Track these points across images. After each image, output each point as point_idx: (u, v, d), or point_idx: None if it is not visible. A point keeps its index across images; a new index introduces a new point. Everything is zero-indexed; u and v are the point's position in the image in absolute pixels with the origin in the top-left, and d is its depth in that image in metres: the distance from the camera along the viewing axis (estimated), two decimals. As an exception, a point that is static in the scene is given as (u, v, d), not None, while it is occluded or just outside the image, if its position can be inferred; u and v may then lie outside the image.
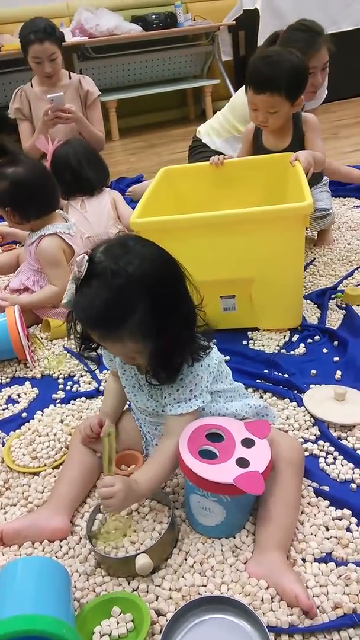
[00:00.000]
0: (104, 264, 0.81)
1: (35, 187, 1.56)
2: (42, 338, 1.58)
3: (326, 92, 2.16)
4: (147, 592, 0.84)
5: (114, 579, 0.86)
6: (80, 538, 0.94)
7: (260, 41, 3.09)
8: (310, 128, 1.71)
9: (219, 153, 2.05)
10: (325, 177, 1.95)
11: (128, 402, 1.10)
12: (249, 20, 3.75)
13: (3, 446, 1.17)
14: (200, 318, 0.91)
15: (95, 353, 0.96)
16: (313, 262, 1.82)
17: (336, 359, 1.35)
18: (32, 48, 2.38)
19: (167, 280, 0.84)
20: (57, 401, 1.32)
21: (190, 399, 0.92)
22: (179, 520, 0.95)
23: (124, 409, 1.10)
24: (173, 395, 0.92)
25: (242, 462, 0.85)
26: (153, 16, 3.78)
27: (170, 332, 0.84)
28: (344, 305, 1.55)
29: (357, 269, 1.73)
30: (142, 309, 0.80)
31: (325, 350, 1.39)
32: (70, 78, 2.58)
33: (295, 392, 1.23)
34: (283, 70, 1.55)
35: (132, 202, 2.34)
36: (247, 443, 0.88)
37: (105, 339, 0.85)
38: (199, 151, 2.33)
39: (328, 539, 0.89)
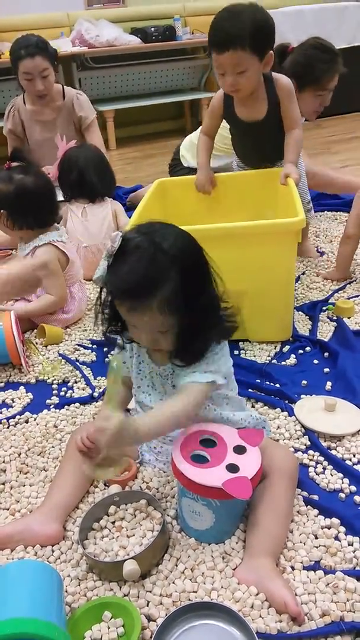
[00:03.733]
0: (137, 240, 0.85)
1: (37, 199, 1.58)
2: (37, 344, 1.59)
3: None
4: (138, 597, 0.84)
5: (105, 583, 0.87)
6: (72, 543, 0.95)
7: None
8: (285, 93, 1.57)
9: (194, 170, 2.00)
10: (300, 163, 1.79)
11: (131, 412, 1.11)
12: (246, 35, 3.81)
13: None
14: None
15: (117, 337, 0.97)
16: (304, 274, 1.84)
17: (326, 370, 1.37)
18: (23, 64, 2.24)
19: (197, 260, 0.88)
20: (51, 406, 1.33)
21: (206, 372, 0.92)
22: (170, 527, 0.96)
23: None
24: (190, 369, 0.93)
25: (232, 468, 0.87)
26: (152, 29, 3.83)
27: (198, 310, 0.87)
28: (335, 318, 1.58)
29: (348, 283, 1.76)
30: (172, 282, 0.83)
31: (315, 362, 1.41)
32: (64, 98, 2.41)
33: (287, 402, 1.25)
34: (244, 23, 1.40)
35: (131, 209, 2.35)
36: (239, 450, 0.90)
37: (134, 310, 0.86)
38: (179, 168, 2.33)
39: (317, 547, 0.91)
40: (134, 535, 0.92)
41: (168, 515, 0.98)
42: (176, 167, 2.37)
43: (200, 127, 1.81)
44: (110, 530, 0.94)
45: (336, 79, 1.85)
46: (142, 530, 0.93)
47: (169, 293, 0.83)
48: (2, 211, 1.58)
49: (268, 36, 1.47)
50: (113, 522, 0.95)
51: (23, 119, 2.43)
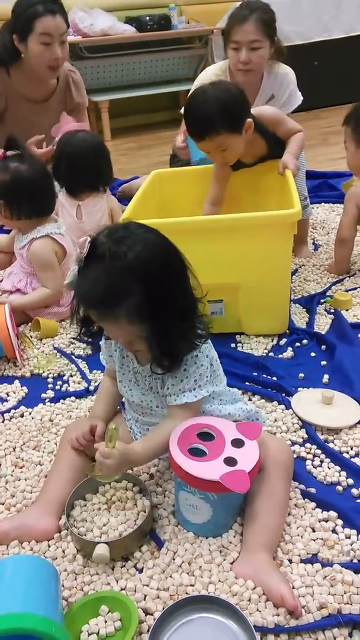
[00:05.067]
0: (104, 246, 0.83)
1: (35, 187, 1.56)
2: (31, 337, 1.58)
3: (300, 98, 2.00)
4: (135, 591, 0.84)
5: (102, 577, 0.87)
6: (68, 534, 0.94)
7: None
8: (274, 124, 1.59)
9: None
10: (302, 158, 1.80)
11: (119, 404, 1.11)
12: (242, 24, 3.77)
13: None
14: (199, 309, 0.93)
15: (92, 339, 0.98)
16: (302, 267, 1.83)
17: (324, 362, 1.37)
18: (42, 22, 1.81)
19: (165, 268, 0.86)
20: (47, 400, 1.32)
21: (194, 389, 0.94)
22: (166, 521, 0.95)
23: (116, 411, 1.10)
24: (177, 386, 0.93)
25: (230, 461, 0.86)
26: (147, 18, 3.78)
27: (167, 318, 0.86)
28: (332, 310, 1.57)
29: (347, 276, 1.75)
30: (137, 293, 0.82)
31: (313, 354, 1.40)
32: (57, 78, 2.12)
33: (284, 395, 1.25)
34: (211, 108, 1.40)
35: (121, 201, 2.32)
36: (237, 443, 0.90)
37: (102, 319, 0.88)
38: (178, 159, 2.31)
39: (314, 540, 0.91)
40: (117, 516, 0.94)
41: (164, 509, 0.97)
42: (176, 158, 2.36)
43: (207, 199, 1.70)
44: (98, 504, 0.96)
45: (245, 34, 1.81)
46: (128, 513, 0.94)
47: (135, 304, 0.82)
48: (0, 201, 1.56)
49: (240, 111, 1.46)
50: (104, 495, 0.98)
51: (8, 96, 2.05)
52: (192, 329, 0.92)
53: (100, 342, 1.05)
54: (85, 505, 0.97)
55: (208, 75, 2.06)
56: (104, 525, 0.93)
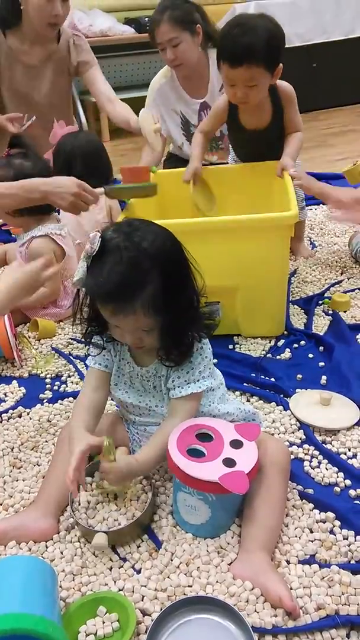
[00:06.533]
0: (116, 240, 0.84)
1: None
2: (30, 337, 1.57)
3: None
4: (133, 591, 0.84)
5: (100, 578, 0.87)
6: (67, 534, 0.94)
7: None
8: (288, 100, 1.60)
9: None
10: (297, 160, 1.76)
11: (116, 405, 1.10)
12: (241, 26, 3.77)
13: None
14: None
15: (98, 338, 0.97)
16: (299, 269, 1.84)
17: (321, 364, 1.37)
18: None
19: (177, 258, 0.88)
20: (45, 401, 1.32)
21: (199, 380, 0.94)
22: (165, 521, 0.95)
23: (114, 411, 1.10)
24: (183, 378, 0.94)
25: (229, 462, 0.86)
26: (146, 19, 3.78)
27: (179, 308, 0.87)
28: (330, 312, 1.58)
29: (347, 278, 1.75)
30: (154, 282, 0.83)
31: (310, 355, 1.41)
32: (58, 41, 2.02)
33: (282, 396, 1.25)
34: (260, 38, 1.38)
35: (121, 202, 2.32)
36: (236, 444, 0.90)
37: (117, 313, 0.86)
38: (175, 159, 2.32)
39: (312, 541, 0.91)
40: (120, 509, 0.94)
41: (163, 510, 0.97)
42: (171, 159, 2.36)
43: (200, 124, 1.80)
44: (101, 491, 0.97)
45: (162, 34, 1.92)
46: (128, 504, 0.95)
47: (152, 294, 0.83)
48: None
49: (280, 50, 1.47)
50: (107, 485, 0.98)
51: (1, 55, 1.97)
52: (199, 320, 0.93)
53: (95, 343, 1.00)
54: (88, 490, 0.97)
55: (158, 78, 2.22)
56: (106, 513, 0.93)
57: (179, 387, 0.94)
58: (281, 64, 1.48)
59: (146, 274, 0.82)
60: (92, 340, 0.97)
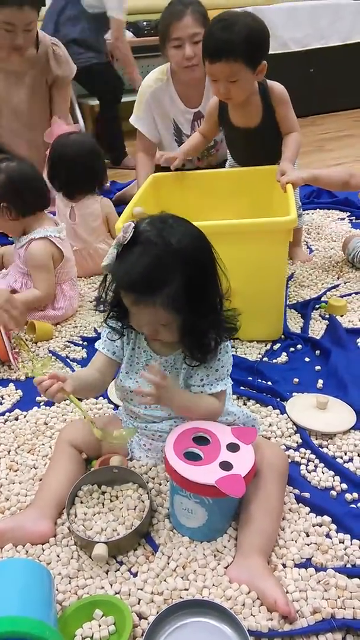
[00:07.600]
0: (148, 233, 0.85)
1: (30, 181, 1.58)
2: (27, 340, 1.57)
3: None
4: (129, 595, 0.84)
5: (96, 581, 0.87)
6: (64, 537, 0.94)
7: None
8: (279, 101, 1.60)
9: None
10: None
11: (114, 407, 1.10)
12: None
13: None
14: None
15: (117, 323, 0.98)
16: (296, 273, 1.84)
17: (318, 368, 1.38)
18: (5, 12, 1.79)
19: (203, 259, 0.89)
20: (41, 404, 1.31)
21: (224, 377, 0.97)
22: (161, 525, 0.95)
23: (111, 413, 1.10)
24: (213, 376, 0.96)
25: (226, 465, 0.87)
26: (144, 23, 3.80)
27: (201, 309, 0.88)
28: (327, 316, 1.58)
29: (344, 282, 1.76)
30: (178, 281, 0.84)
31: (307, 359, 1.41)
32: (37, 49, 2.00)
33: (278, 399, 1.25)
34: (239, 34, 1.40)
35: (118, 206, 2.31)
36: (233, 448, 0.90)
37: (138, 303, 0.87)
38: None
39: (308, 545, 0.91)
40: (118, 519, 0.94)
41: (159, 513, 0.97)
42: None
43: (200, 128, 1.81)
44: (98, 501, 0.97)
45: (185, 28, 1.84)
46: (126, 513, 0.95)
47: (174, 291, 0.84)
48: (2, 205, 1.56)
49: (262, 46, 1.47)
50: (103, 493, 0.99)
51: None
52: (222, 322, 0.94)
53: (106, 332, 1.02)
54: (85, 502, 0.97)
55: (150, 80, 2.08)
56: (104, 523, 0.93)
57: (208, 384, 0.96)
58: (264, 62, 1.48)
59: (170, 272, 0.83)
60: (112, 325, 0.98)
